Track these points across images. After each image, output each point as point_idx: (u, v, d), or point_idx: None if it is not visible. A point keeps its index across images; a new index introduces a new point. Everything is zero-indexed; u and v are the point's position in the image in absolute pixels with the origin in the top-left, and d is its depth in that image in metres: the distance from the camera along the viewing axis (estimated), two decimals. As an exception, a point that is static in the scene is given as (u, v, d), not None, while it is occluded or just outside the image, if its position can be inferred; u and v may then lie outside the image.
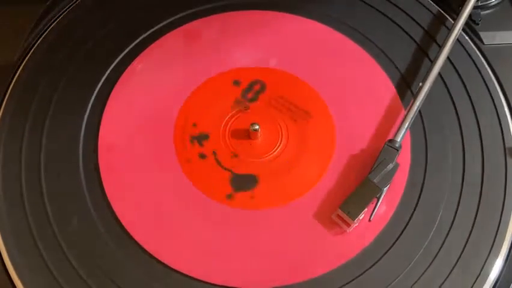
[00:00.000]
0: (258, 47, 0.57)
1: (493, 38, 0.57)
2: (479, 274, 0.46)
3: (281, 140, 0.52)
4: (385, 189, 0.47)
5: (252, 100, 0.54)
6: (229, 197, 0.49)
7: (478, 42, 0.58)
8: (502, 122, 0.53)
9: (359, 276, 0.46)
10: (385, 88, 0.55)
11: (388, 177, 0.47)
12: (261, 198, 0.49)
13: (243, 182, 0.50)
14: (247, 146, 0.52)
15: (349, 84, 0.55)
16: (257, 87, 0.55)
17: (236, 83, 0.55)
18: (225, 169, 0.50)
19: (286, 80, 0.55)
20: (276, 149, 0.51)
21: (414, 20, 0.59)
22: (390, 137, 0.50)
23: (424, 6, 0.60)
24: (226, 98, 0.54)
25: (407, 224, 0.48)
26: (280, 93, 0.54)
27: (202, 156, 0.51)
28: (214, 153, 0.51)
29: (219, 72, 0.55)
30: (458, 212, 0.48)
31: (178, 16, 0.59)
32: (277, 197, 0.49)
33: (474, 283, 0.45)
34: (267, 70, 0.56)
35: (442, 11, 0.60)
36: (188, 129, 0.52)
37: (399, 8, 0.60)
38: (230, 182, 0.50)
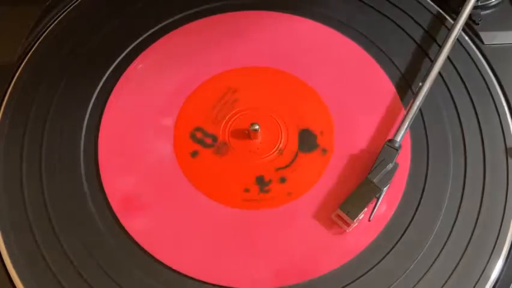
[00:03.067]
0: (258, 47, 0.57)
1: (493, 38, 0.57)
2: (481, 275, 0.46)
3: (281, 140, 0.52)
4: (385, 189, 0.47)
5: None
6: (192, 157, 0.49)
7: (478, 42, 0.58)
8: (503, 122, 0.52)
9: (360, 277, 0.46)
10: (385, 88, 0.55)
11: (388, 177, 0.47)
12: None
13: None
14: (247, 145, 0.52)
15: (349, 84, 0.55)
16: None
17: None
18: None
19: (286, 80, 0.55)
20: (276, 149, 0.51)
21: (414, 20, 0.59)
22: (390, 136, 0.50)
23: (424, 6, 0.60)
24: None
25: (407, 225, 0.48)
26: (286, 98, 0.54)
27: (195, 153, 0.51)
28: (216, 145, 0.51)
29: (219, 73, 0.55)
30: (459, 212, 0.48)
31: (178, 16, 0.59)
32: (262, 197, 0.49)
33: (476, 284, 0.45)
34: (267, 70, 0.56)
35: (442, 11, 0.60)
36: (189, 126, 0.52)
37: (399, 8, 0.60)
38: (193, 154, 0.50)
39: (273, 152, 0.51)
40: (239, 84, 0.55)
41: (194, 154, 0.51)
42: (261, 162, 0.51)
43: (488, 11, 0.59)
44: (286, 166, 0.51)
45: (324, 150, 0.51)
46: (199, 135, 0.52)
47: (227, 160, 0.51)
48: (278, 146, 0.51)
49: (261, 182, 0.50)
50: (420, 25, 0.59)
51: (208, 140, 0.52)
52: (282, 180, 0.50)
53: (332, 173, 0.50)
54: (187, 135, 0.52)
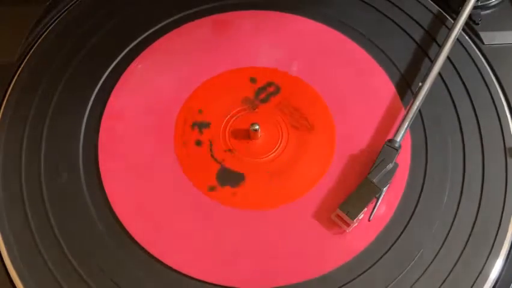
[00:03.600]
0: (258, 47, 0.57)
1: (493, 38, 0.57)
2: (479, 274, 0.46)
3: (281, 140, 0.52)
4: (385, 189, 0.47)
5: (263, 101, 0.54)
6: (212, 189, 0.49)
7: (478, 42, 0.58)
8: (502, 122, 0.53)
9: (359, 276, 0.46)
10: (385, 88, 0.55)
11: (388, 177, 0.47)
12: (244, 197, 0.49)
13: (229, 178, 0.50)
14: (247, 145, 0.52)
15: (349, 84, 0.55)
16: (271, 89, 0.55)
17: (252, 80, 0.55)
18: (216, 161, 0.50)
19: (286, 80, 0.55)
20: (276, 149, 0.51)
21: (414, 20, 0.59)
22: (390, 136, 0.50)
23: (424, 6, 0.60)
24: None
25: (407, 224, 0.48)
26: (287, 98, 0.54)
27: (198, 143, 0.51)
28: (210, 143, 0.51)
29: (218, 72, 0.55)
30: (458, 212, 0.48)
31: (178, 16, 0.59)
32: (262, 197, 0.49)
33: (474, 283, 0.45)
34: (267, 70, 0.56)
35: (442, 11, 0.60)
36: (192, 114, 0.53)
37: (399, 8, 0.60)
38: (216, 175, 0.50)
39: (273, 153, 0.51)
40: (239, 83, 0.55)
41: (191, 141, 0.51)
42: (254, 161, 0.51)
43: (488, 11, 0.59)
44: (286, 166, 0.51)
45: (324, 150, 0.51)
46: (200, 122, 0.52)
47: (220, 152, 0.51)
48: (278, 146, 0.51)
49: (248, 181, 0.50)
50: (420, 25, 0.59)
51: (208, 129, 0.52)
52: (282, 180, 0.50)
53: (332, 173, 0.50)
54: (190, 120, 0.52)
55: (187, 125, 0.52)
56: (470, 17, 0.58)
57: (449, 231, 0.47)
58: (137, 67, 0.56)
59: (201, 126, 0.52)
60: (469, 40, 0.58)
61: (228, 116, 0.53)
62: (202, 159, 0.51)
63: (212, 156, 0.51)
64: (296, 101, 0.54)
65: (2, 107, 0.53)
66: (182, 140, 0.52)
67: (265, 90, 0.54)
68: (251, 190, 0.49)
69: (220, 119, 0.53)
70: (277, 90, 0.54)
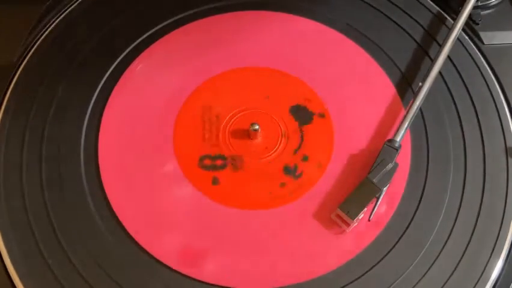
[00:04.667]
0: (258, 47, 0.57)
1: (493, 38, 0.57)
2: (481, 275, 0.46)
3: (281, 140, 0.52)
4: (384, 189, 0.47)
5: None
6: (196, 169, 0.50)
7: (478, 42, 0.58)
8: (503, 122, 0.53)
9: (359, 277, 0.46)
10: (385, 88, 0.55)
11: (387, 177, 0.47)
12: (227, 191, 0.49)
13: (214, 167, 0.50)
14: (246, 145, 0.52)
15: (349, 84, 0.55)
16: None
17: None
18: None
19: (286, 80, 0.55)
20: (276, 149, 0.51)
21: (414, 19, 0.59)
22: (390, 136, 0.50)
23: (424, 6, 0.60)
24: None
25: (407, 225, 0.48)
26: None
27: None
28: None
29: (218, 73, 0.55)
30: (459, 212, 0.48)
31: (178, 16, 0.58)
32: (247, 195, 0.49)
33: (475, 284, 0.45)
34: (267, 70, 0.56)
35: (442, 11, 0.60)
36: (205, 98, 0.54)
37: (400, 8, 0.60)
38: (199, 159, 0.50)
39: (273, 153, 0.51)
40: (239, 84, 0.55)
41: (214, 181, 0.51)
42: (275, 155, 0.51)
43: (488, 11, 0.59)
44: (299, 146, 0.51)
45: (324, 150, 0.51)
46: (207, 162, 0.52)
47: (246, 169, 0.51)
48: (278, 146, 0.51)
49: (289, 170, 0.50)
50: (420, 25, 0.59)
51: (219, 162, 0.51)
52: (305, 158, 0.50)
53: (332, 173, 0.50)
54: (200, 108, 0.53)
55: (197, 106, 0.53)
56: (470, 17, 0.58)
57: (450, 231, 0.47)
58: (137, 67, 0.56)
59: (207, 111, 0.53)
60: (469, 40, 0.58)
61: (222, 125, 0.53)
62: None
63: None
64: (296, 102, 0.54)
65: (2, 107, 0.53)
66: (184, 118, 0.52)
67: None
68: (236, 186, 0.49)
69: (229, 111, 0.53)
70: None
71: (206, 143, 0.52)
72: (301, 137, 0.52)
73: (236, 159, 0.51)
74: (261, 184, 0.50)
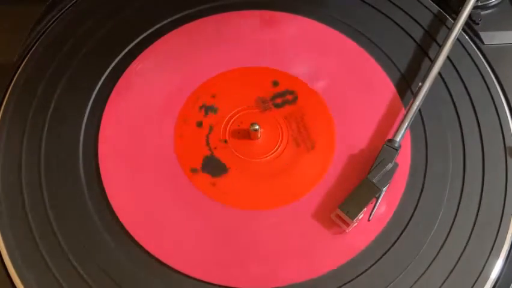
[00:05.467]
0: (258, 47, 0.57)
1: (493, 38, 0.57)
2: (480, 274, 0.46)
3: (281, 140, 0.52)
4: (384, 189, 0.47)
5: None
6: (194, 171, 0.50)
7: (478, 42, 0.58)
8: (502, 122, 0.53)
9: (359, 276, 0.46)
10: (385, 88, 0.55)
11: (387, 177, 0.47)
12: (227, 191, 0.49)
13: (213, 166, 0.50)
14: (247, 145, 0.52)
15: (349, 84, 0.55)
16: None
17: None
18: (207, 146, 0.51)
19: (286, 80, 0.55)
20: (276, 149, 0.51)
21: (414, 19, 0.59)
22: (390, 136, 0.50)
23: (424, 6, 0.60)
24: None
25: (407, 224, 0.48)
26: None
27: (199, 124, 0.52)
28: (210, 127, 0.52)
29: (218, 73, 0.55)
30: (458, 211, 0.48)
31: (178, 16, 0.59)
32: (247, 195, 0.49)
33: (474, 283, 0.45)
34: (267, 70, 0.56)
35: (442, 11, 0.60)
36: (205, 96, 0.53)
37: (399, 8, 0.60)
38: (202, 160, 0.50)
39: (273, 153, 0.51)
40: (239, 84, 0.55)
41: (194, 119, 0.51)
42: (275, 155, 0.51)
43: (488, 11, 0.59)
44: (287, 166, 0.51)
45: (324, 150, 0.51)
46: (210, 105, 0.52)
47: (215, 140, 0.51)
48: (278, 146, 0.51)
49: (230, 173, 0.50)
50: (420, 25, 0.59)
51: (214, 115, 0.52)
52: (282, 179, 0.50)
53: (332, 173, 0.50)
54: (201, 101, 0.53)
55: (197, 105, 0.53)
56: (470, 17, 0.58)
57: (449, 231, 0.47)
58: (137, 67, 0.56)
59: (208, 109, 0.53)
60: (469, 40, 0.58)
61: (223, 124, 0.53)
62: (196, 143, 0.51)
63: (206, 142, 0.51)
64: (300, 106, 0.54)
65: (2, 107, 0.53)
66: (184, 117, 0.52)
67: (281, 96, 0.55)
68: (236, 186, 0.49)
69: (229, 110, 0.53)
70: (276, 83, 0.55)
71: (206, 143, 0.52)
72: (301, 137, 0.52)
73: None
74: (260, 184, 0.50)
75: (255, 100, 0.54)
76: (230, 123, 0.53)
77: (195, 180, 0.50)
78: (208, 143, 0.52)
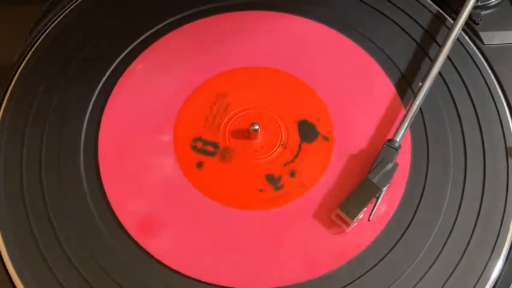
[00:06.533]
0: (258, 47, 0.57)
1: (493, 38, 0.57)
2: (481, 275, 0.46)
3: (281, 140, 0.52)
4: (384, 189, 0.47)
5: None
6: (199, 165, 0.50)
7: (478, 42, 0.58)
8: (503, 122, 0.53)
9: (359, 277, 0.46)
10: (385, 88, 0.55)
11: (387, 177, 0.47)
12: (223, 189, 0.49)
13: (214, 167, 0.50)
14: (247, 145, 0.52)
15: (349, 84, 0.55)
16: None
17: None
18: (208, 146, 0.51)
19: (286, 80, 0.55)
20: (276, 149, 0.51)
21: (414, 20, 0.59)
22: (390, 136, 0.50)
23: (424, 6, 0.60)
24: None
25: (408, 225, 0.48)
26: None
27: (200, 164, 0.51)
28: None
29: (217, 73, 0.55)
30: (459, 212, 0.48)
31: (178, 16, 0.59)
32: (247, 195, 0.49)
33: (475, 284, 0.45)
34: (266, 70, 0.56)
35: (442, 11, 0.60)
36: (205, 96, 0.54)
37: (399, 8, 0.60)
38: (203, 160, 0.50)
39: (277, 148, 0.51)
40: (238, 84, 0.55)
41: (199, 165, 0.51)
42: (266, 160, 0.51)
43: (488, 11, 0.59)
44: (293, 159, 0.51)
45: (324, 150, 0.51)
46: (199, 144, 0.52)
47: (234, 165, 0.51)
48: (280, 142, 0.51)
49: (272, 180, 0.50)
50: (420, 25, 0.59)
51: (209, 148, 0.52)
52: (292, 174, 0.50)
53: (332, 173, 0.50)
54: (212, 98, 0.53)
55: (197, 104, 0.53)
56: (470, 17, 0.58)
57: (450, 231, 0.47)
58: (137, 67, 0.56)
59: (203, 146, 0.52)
60: (469, 40, 0.58)
61: (223, 124, 0.53)
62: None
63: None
64: (296, 102, 0.54)
65: (2, 107, 0.53)
66: (185, 117, 0.52)
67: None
68: (231, 185, 0.50)
69: (216, 130, 0.53)
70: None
71: (206, 144, 0.52)
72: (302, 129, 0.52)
73: (227, 151, 0.51)
74: (260, 184, 0.50)
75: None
76: (230, 123, 0.53)
77: (194, 180, 0.50)
78: (208, 143, 0.52)
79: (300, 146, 0.52)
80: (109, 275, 0.45)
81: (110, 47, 0.56)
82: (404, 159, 0.50)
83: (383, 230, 0.47)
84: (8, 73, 0.54)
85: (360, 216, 0.46)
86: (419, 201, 0.49)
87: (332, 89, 0.54)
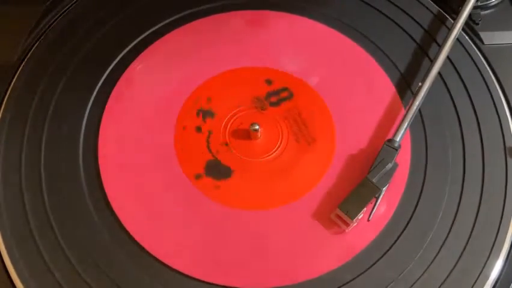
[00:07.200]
0: (258, 47, 0.57)
1: (493, 38, 0.57)
2: (480, 274, 0.46)
3: (281, 140, 0.52)
4: (384, 189, 0.47)
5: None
6: (198, 177, 0.50)
7: (478, 42, 0.58)
8: (502, 122, 0.53)
9: (358, 276, 0.46)
10: (385, 88, 0.55)
11: (387, 177, 0.47)
12: (228, 192, 0.49)
13: (217, 170, 0.50)
14: (247, 145, 0.52)
15: (349, 84, 0.55)
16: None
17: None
18: (209, 151, 0.51)
19: (286, 80, 0.55)
20: (276, 149, 0.51)
21: (414, 19, 0.59)
22: (390, 136, 0.50)
23: (424, 6, 0.60)
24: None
25: (407, 224, 0.48)
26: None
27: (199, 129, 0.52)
28: (209, 132, 0.52)
29: (217, 73, 0.55)
30: (458, 211, 0.48)
31: (178, 16, 0.59)
32: (247, 195, 0.49)
33: (474, 283, 0.45)
34: (266, 70, 0.56)
35: (442, 11, 0.60)
36: (201, 101, 0.53)
37: (399, 8, 0.60)
38: (205, 164, 0.50)
39: (277, 148, 0.51)
40: (238, 84, 0.55)
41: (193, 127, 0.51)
42: (267, 160, 0.51)
43: (488, 11, 0.59)
44: (287, 166, 0.51)
45: (324, 150, 0.51)
46: (207, 110, 0.52)
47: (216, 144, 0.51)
48: (278, 146, 0.51)
49: (235, 176, 0.50)
50: (420, 25, 0.59)
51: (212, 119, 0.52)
52: (283, 179, 0.50)
53: (332, 173, 0.50)
54: (198, 106, 0.53)
55: (194, 110, 0.53)
56: (470, 17, 0.58)
57: (449, 231, 0.47)
58: (137, 67, 0.56)
59: (206, 114, 0.53)
60: (469, 40, 0.58)
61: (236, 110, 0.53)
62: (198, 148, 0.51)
63: (207, 146, 0.51)
64: (297, 102, 0.54)
65: (2, 107, 0.53)
66: (183, 124, 0.52)
67: (276, 94, 0.55)
68: (236, 187, 0.49)
69: (226, 111, 0.53)
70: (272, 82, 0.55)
71: (206, 143, 0.52)
72: (301, 137, 0.52)
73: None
74: (260, 184, 0.50)
75: (251, 100, 0.54)
76: (230, 123, 0.53)
77: (194, 181, 0.50)
78: (208, 145, 0.52)
79: (300, 146, 0.51)
80: (109, 275, 0.45)
81: (110, 46, 0.56)
82: (404, 159, 0.50)
83: (383, 230, 0.47)
84: (8, 73, 0.54)
85: (360, 216, 0.46)
86: (419, 201, 0.49)
87: (332, 89, 0.54)
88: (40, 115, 0.52)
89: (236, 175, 0.50)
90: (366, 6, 0.60)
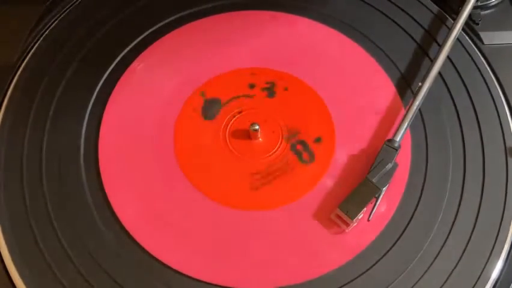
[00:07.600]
0: (258, 47, 0.57)
1: (493, 38, 0.57)
2: (480, 275, 0.46)
3: (281, 140, 0.52)
4: (384, 189, 0.47)
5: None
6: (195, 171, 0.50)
7: (478, 42, 0.58)
8: (502, 122, 0.53)
9: (358, 276, 0.46)
10: (385, 88, 0.55)
11: (387, 177, 0.47)
12: (223, 189, 0.49)
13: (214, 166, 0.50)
14: (247, 145, 0.52)
15: (349, 84, 0.55)
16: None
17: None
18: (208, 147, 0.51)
19: (286, 80, 0.55)
20: (276, 149, 0.51)
21: (414, 19, 0.59)
22: (390, 136, 0.50)
23: (424, 6, 0.60)
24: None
25: (407, 224, 0.48)
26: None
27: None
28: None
29: (218, 73, 0.55)
30: (458, 212, 0.48)
31: (177, 16, 0.59)
32: (248, 195, 0.49)
33: (475, 284, 0.45)
34: (266, 70, 0.56)
35: (442, 11, 0.60)
36: (201, 101, 0.54)
37: (399, 8, 0.60)
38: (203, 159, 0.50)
39: (277, 148, 0.51)
40: (238, 84, 0.55)
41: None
42: (267, 160, 0.51)
43: (488, 11, 0.59)
44: (293, 159, 0.51)
45: (324, 150, 0.51)
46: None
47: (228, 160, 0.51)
48: (278, 147, 0.51)
49: (273, 179, 0.50)
50: (420, 25, 0.59)
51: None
52: (282, 179, 0.50)
53: (332, 173, 0.50)
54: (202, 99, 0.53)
55: (194, 110, 0.53)
56: (470, 17, 0.58)
57: (449, 231, 0.47)
58: (137, 67, 0.56)
59: (206, 114, 0.53)
60: (469, 40, 0.58)
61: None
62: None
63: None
64: (296, 102, 0.54)
65: (2, 108, 0.53)
66: (183, 124, 0.52)
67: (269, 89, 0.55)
68: (232, 185, 0.50)
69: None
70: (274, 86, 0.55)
71: (206, 143, 0.52)
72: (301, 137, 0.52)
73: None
74: (260, 184, 0.50)
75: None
76: (230, 123, 0.53)
77: (195, 180, 0.50)
78: (208, 144, 0.52)
79: (300, 146, 0.52)
80: (109, 275, 0.45)
81: (110, 46, 0.56)
82: (404, 159, 0.50)
83: (383, 230, 0.47)
84: (8, 73, 0.54)
85: (360, 216, 0.46)
86: (419, 201, 0.49)
87: (332, 89, 0.54)
88: (41, 115, 0.52)
89: (235, 175, 0.50)
90: (366, 6, 0.60)
